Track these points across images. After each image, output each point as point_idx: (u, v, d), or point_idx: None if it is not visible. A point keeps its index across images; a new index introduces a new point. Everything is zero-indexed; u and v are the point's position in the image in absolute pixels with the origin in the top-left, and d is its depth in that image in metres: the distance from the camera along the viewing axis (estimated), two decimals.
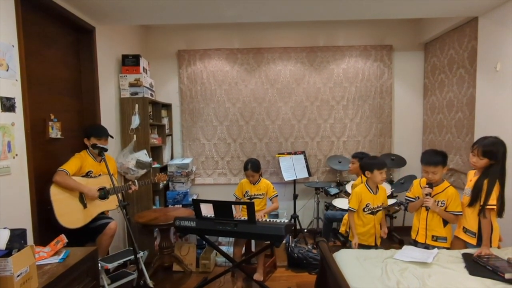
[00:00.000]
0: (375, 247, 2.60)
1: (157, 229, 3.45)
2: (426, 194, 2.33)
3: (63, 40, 2.72)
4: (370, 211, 2.60)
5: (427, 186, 2.35)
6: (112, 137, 2.79)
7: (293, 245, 3.42)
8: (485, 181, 2.13)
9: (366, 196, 2.62)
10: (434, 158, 2.31)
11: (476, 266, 1.92)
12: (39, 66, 2.40)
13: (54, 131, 2.50)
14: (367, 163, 2.66)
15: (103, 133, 2.66)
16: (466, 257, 2.04)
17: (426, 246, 2.36)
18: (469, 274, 1.85)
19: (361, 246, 2.59)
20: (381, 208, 2.65)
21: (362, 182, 3.01)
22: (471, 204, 2.19)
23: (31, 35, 2.28)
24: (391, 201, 3.41)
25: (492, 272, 1.82)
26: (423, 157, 2.39)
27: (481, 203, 2.13)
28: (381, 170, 2.58)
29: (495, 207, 2.08)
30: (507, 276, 1.74)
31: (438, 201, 2.36)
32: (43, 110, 2.43)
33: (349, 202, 2.70)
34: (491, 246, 2.12)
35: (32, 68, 2.27)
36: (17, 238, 1.57)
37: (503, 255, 2.00)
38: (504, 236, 2.30)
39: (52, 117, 2.50)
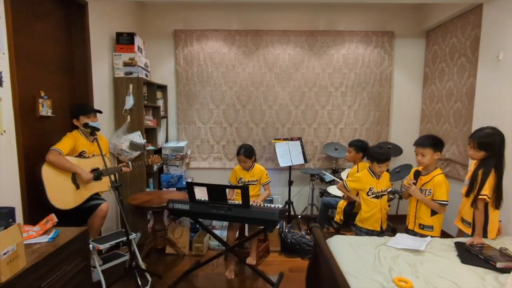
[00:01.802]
0: (381, 232, 2.61)
1: (150, 211, 3.43)
2: (409, 183, 2.40)
3: (53, 15, 2.61)
4: (374, 195, 2.61)
5: (412, 178, 2.42)
6: (100, 112, 2.72)
7: (286, 230, 3.44)
8: (480, 172, 2.12)
9: (368, 181, 2.62)
10: (423, 140, 2.37)
11: (468, 255, 1.92)
12: (28, 40, 2.30)
13: (45, 109, 2.43)
14: (370, 154, 2.66)
15: (90, 109, 2.61)
16: (458, 245, 2.05)
17: (414, 234, 2.41)
18: (461, 263, 1.85)
19: (367, 232, 2.61)
20: (385, 193, 2.66)
21: (358, 171, 3.00)
22: (467, 194, 2.19)
23: (19, 8, 2.17)
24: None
25: (484, 261, 1.82)
26: (416, 140, 2.44)
27: (475, 193, 2.12)
28: (380, 164, 2.57)
29: (486, 197, 2.07)
30: (498, 265, 1.75)
31: (426, 190, 2.39)
32: (33, 86, 2.34)
33: (348, 178, 2.77)
34: (487, 237, 2.12)
35: (20, 43, 2.18)
36: (4, 217, 1.54)
37: (495, 244, 2.00)
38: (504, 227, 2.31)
39: (42, 94, 2.42)
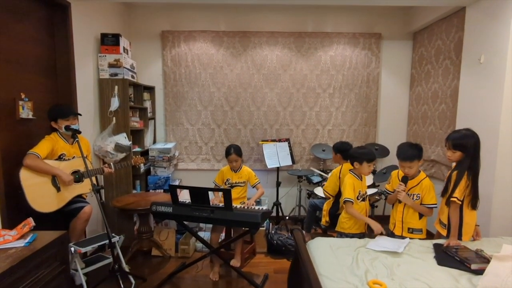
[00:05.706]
0: (364, 233, 2.59)
1: (136, 213, 3.41)
2: (398, 190, 2.33)
3: (34, 15, 2.59)
4: (362, 198, 2.57)
5: (401, 183, 2.35)
6: (80, 114, 2.65)
7: (273, 232, 3.44)
8: (454, 174, 2.15)
9: (357, 184, 2.55)
10: (409, 152, 2.29)
11: (445, 256, 1.95)
12: (7, 41, 2.28)
13: (25, 111, 2.41)
14: (356, 154, 2.55)
15: (68, 112, 2.51)
16: (436, 247, 2.07)
17: (403, 239, 2.36)
18: (437, 264, 1.87)
19: (353, 236, 2.49)
20: (368, 194, 2.66)
21: (340, 171, 3.00)
22: (442, 195, 2.21)
23: None
24: (372, 191, 3.44)
25: (460, 262, 1.85)
26: (399, 153, 2.35)
27: (448, 195, 2.15)
28: (370, 163, 2.51)
29: (456, 199, 2.08)
30: (473, 266, 1.77)
31: (413, 195, 2.37)
32: (13, 88, 2.32)
33: (343, 194, 2.53)
34: (461, 239, 2.14)
35: None
36: None
37: (472, 246, 2.03)
38: (482, 228, 2.33)
39: (23, 96, 2.39)
